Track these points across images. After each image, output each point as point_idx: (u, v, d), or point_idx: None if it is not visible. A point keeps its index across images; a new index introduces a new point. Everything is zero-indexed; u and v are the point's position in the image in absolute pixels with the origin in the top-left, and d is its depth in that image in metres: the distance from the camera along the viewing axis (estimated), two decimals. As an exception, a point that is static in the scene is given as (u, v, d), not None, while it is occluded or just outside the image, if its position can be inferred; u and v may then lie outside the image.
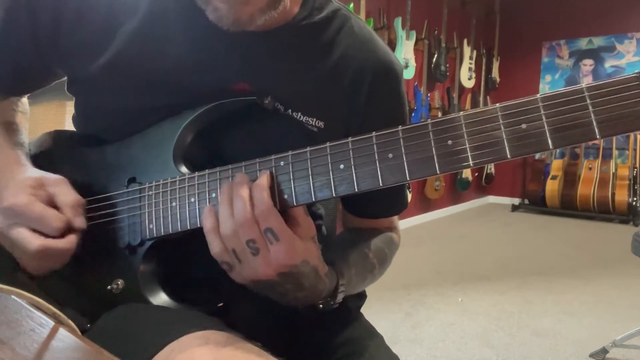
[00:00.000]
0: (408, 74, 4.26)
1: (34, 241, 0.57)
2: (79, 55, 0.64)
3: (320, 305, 0.60)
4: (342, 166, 0.51)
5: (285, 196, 0.53)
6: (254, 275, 0.53)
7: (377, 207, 0.77)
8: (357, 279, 0.66)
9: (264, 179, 0.53)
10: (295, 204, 0.53)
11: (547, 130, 0.44)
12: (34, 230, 0.58)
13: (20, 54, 0.66)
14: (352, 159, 0.51)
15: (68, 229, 0.59)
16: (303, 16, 0.66)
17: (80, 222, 0.60)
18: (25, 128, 0.75)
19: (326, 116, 0.67)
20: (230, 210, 0.52)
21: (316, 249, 0.56)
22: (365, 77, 0.68)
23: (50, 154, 0.72)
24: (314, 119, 0.66)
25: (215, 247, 0.54)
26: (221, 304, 0.64)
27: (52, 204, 0.59)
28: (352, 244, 0.74)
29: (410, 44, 4.25)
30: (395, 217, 0.81)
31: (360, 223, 0.78)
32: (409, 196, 4.58)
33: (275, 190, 0.53)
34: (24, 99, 0.79)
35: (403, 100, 0.74)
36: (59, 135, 0.75)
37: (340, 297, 0.61)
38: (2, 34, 0.66)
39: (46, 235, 0.58)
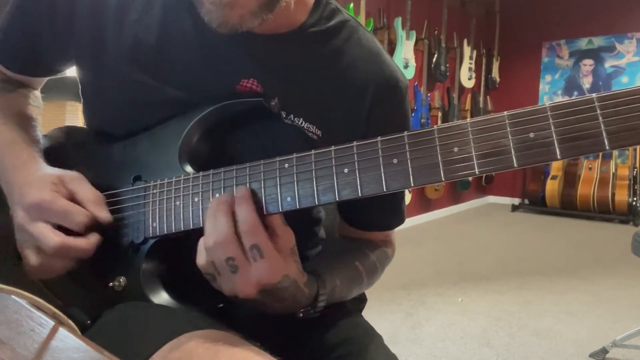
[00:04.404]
0: (408, 74, 4.26)
1: (55, 237, 0.57)
2: (92, 39, 0.64)
3: (301, 314, 0.60)
4: (346, 170, 0.51)
5: (289, 199, 0.53)
6: (233, 291, 0.54)
7: (374, 219, 0.76)
8: (342, 289, 0.66)
9: (244, 193, 0.52)
10: (298, 206, 0.53)
11: (555, 140, 0.43)
12: (57, 228, 0.58)
13: (37, 34, 0.67)
14: (356, 163, 0.50)
15: (90, 228, 0.59)
16: (310, 23, 0.66)
17: (105, 214, 0.60)
18: (39, 123, 0.74)
19: (325, 125, 0.66)
20: (214, 224, 0.52)
21: (295, 262, 0.56)
22: (369, 90, 0.68)
23: (61, 150, 0.72)
24: (314, 127, 0.66)
25: (200, 258, 0.54)
26: (221, 304, 0.64)
27: (73, 200, 0.60)
28: (341, 254, 0.73)
29: (410, 44, 4.25)
30: (391, 231, 0.79)
31: (355, 233, 0.77)
32: (409, 196, 4.58)
33: (262, 198, 0.53)
34: (37, 93, 0.79)
35: (406, 118, 0.73)
36: (70, 131, 0.75)
37: (321, 306, 0.61)
38: (20, 12, 0.66)
39: (68, 234, 0.58)
